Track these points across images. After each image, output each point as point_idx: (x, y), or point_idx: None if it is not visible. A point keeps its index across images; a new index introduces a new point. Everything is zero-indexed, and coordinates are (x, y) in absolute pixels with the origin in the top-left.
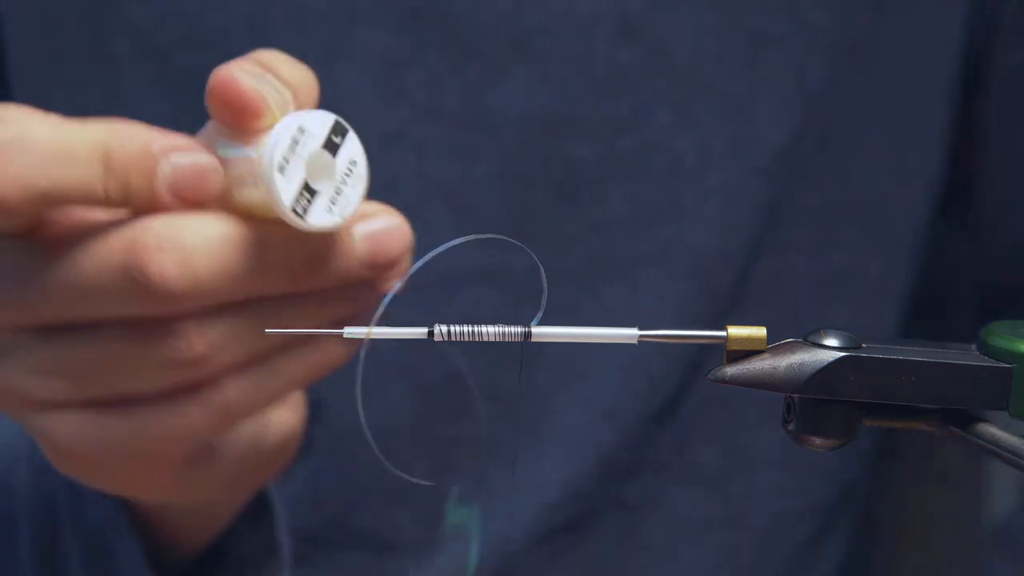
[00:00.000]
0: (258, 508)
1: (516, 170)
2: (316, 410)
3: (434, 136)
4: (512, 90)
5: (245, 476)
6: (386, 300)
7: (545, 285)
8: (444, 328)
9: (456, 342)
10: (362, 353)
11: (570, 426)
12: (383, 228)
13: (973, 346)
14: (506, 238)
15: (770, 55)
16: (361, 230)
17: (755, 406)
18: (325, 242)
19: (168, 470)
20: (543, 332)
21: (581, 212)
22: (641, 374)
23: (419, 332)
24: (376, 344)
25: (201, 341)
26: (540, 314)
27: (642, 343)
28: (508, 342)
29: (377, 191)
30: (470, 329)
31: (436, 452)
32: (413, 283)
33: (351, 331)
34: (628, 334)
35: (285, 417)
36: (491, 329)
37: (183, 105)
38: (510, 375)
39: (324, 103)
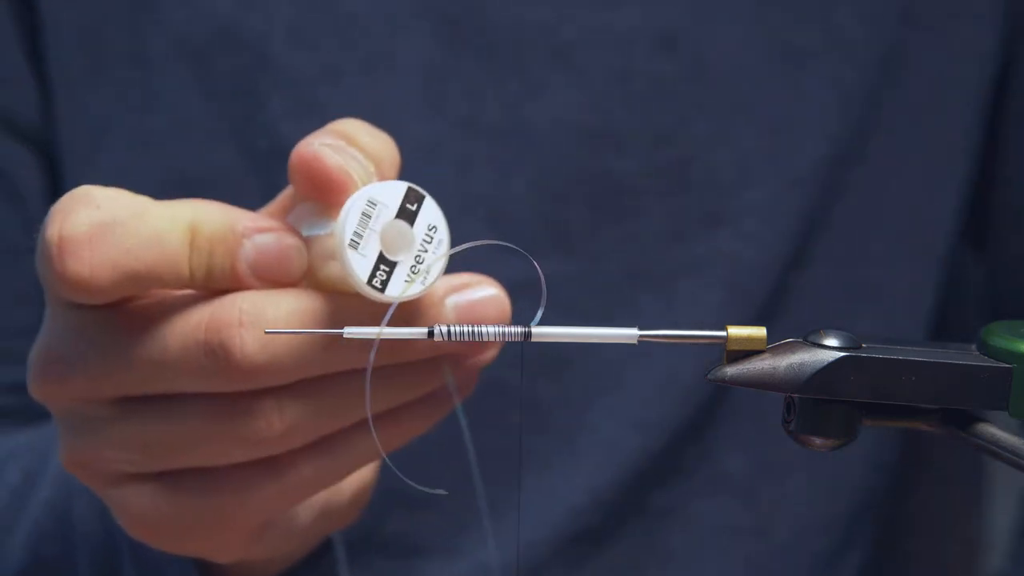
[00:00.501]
0: (319, 545)
1: (554, 182)
2: None
3: (473, 148)
4: (551, 102)
5: (318, 532)
6: (392, 308)
7: (544, 287)
8: (444, 328)
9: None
10: (371, 355)
11: (599, 435)
12: (477, 299)
13: (973, 346)
14: (506, 244)
15: (807, 68)
16: (453, 301)
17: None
18: (411, 314)
19: (241, 538)
20: (543, 332)
21: (619, 224)
22: (672, 384)
23: (419, 332)
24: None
25: (281, 420)
26: (540, 314)
27: (661, 350)
28: (527, 351)
29: None
30: (470, 329)
31: (465, 462)
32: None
33: (351, 331)
34: (628, 334)
35: (360, 473)
36: (491, 329)
37: (220, 108)
38: (544, 385)
39: (362, 112)
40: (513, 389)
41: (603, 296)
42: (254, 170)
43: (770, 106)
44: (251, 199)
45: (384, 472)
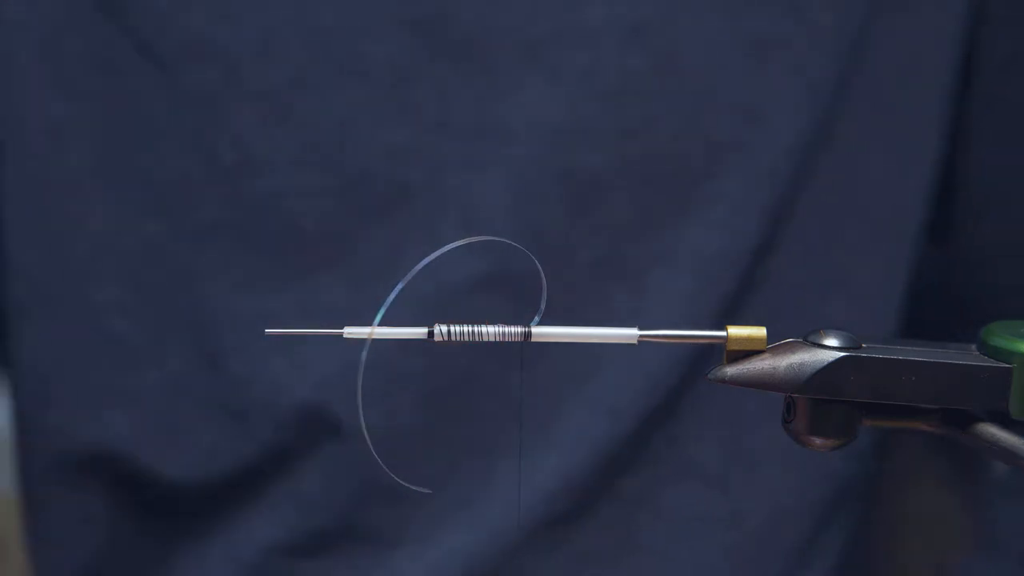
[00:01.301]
0: None
1: (527, 180)
2: (326, 417)
3: (445, 149)
4: (523, 100)
5: None
6: (388, 300)
7: (544, 286)
8: (444, 328)
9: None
10: (363, 354)
11: (571, 422)
12: None
13: (973, 346)
14: (504, 240)
15: (776, 58)
16: None
17: (755, 404)
18: None
19: None
20: (543, 332)
21: (590, 218)
22: (641, 372)
23: (419, 332)
24: (385, 353)
25: None
26: (540, 313)
27: (641, 343)
28: (506, 343)
29: (388, 206)
30: (470, 329)
31: (443, 454)
32: (425, 293)
33: (351, 331)
34: (628, 334)
35: None
36: (491, 329)
37: (189, 117)
38: (518, 373)
39: (333, 120)
40: (493, 379)
41: (574, 289)
42: (219, 179)
43: (739, 97)
44: (214, 208)
45: (363, 464)
